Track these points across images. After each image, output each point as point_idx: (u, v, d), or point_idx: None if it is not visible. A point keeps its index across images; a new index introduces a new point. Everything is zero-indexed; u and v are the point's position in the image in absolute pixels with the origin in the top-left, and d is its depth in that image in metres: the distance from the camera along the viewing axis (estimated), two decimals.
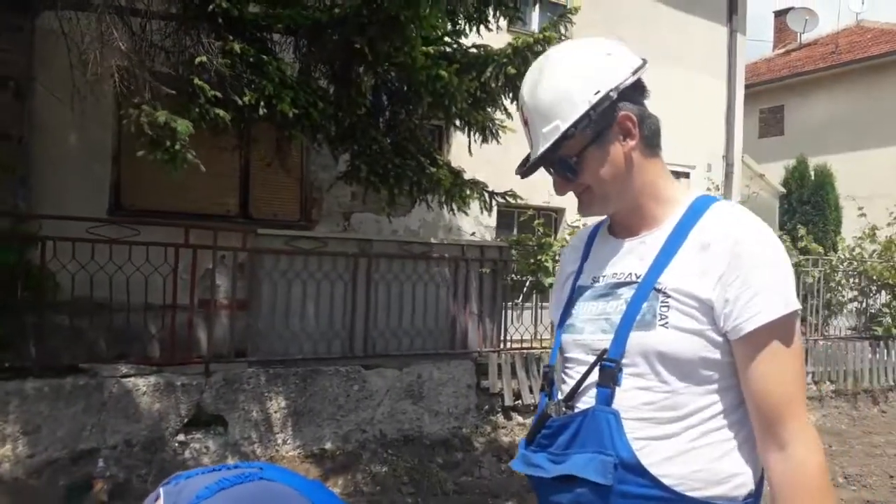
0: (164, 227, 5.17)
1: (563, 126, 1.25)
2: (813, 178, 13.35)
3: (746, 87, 11.99)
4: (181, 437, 4.50)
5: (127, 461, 4.25)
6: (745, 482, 1.23)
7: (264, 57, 4.34)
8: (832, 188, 13.28)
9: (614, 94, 1.24)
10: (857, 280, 8.78)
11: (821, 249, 8.63)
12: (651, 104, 1.34)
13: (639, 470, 1.19)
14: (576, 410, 1.28)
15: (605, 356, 1.25)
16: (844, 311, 8.81)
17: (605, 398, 1.24)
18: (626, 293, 1.26)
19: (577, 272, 1.43)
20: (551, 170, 1.34)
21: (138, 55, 3.99)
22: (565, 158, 1.29)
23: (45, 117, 5.29)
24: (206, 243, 4.83)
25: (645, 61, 1.31)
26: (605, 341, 1.26)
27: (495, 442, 5.57)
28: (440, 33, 5.52)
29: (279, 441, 4.84)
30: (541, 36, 5.74)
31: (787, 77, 16.58)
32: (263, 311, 5.15)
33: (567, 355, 1.36)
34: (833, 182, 13.36)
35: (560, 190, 1.36)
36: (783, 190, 13.06)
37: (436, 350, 5.76)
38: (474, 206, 5.78)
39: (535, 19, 8.83)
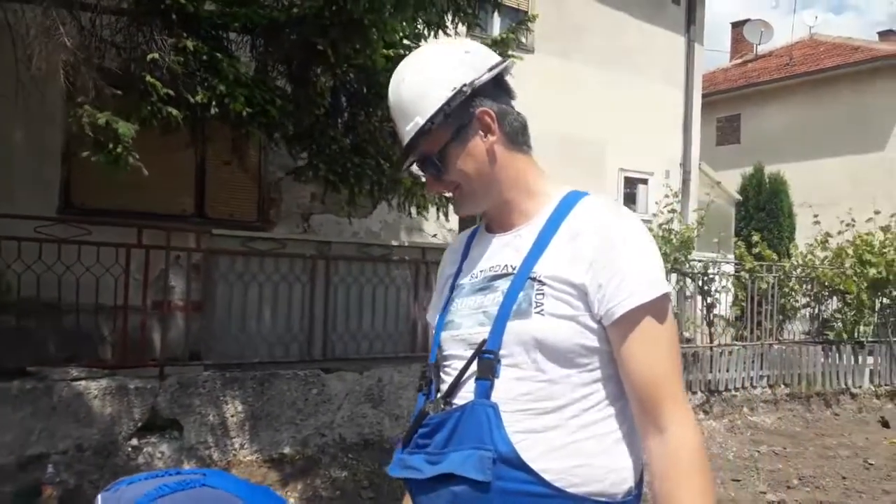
0: (116, 226, 5.05)
1: (421, 122, 1.28)
2: (768, 185, 13.68)
3: (704, 95, 12.25)
4: (134, 442, 4.40)
5: (78, 466, 4.14)
6: (625, 478, 1.22)
7: (218, 55, 4.27)
8: (786, 196, 13.62)
9: (468, 90, 1.26)
10: (809, 286, 9.00)
11: (775, 256, 8.83)
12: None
13: (518, 464, 1.16)
14: (454, 406, 1.25)
15: (483, 348, 1.24)
16: (798, 316, 9.02)
17: (484, 391, 1.21)
18: (503, 284, 1.26)
19: (455, 273, 1.43)
20: (422, 168, 1.35)
21: (86, 51, 3.89)
22: (429, 155, 1.31)
23: None
24: (160, 244, 4.74)
25: (505, 60, 1.35)
26: (483, 333, 1.25)
27: None
28: (400, 36, 5.53)
29: (236, 446, 4.75)
30: (500, 38, 5.80)
31: (744, 87, 17.02)
32: (219, 313, 5.07)
33: (446, 353, 1.34)
34: (787, 190, 13.71)
35: (431, 188, 1.39)
36: (739, 197, 13.36)
37: (396, 353, 5.74)
38: (434, 209, 5.78)
39: (495, 24, 8.90)
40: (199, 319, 5.17)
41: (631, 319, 1.18)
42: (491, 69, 1.30)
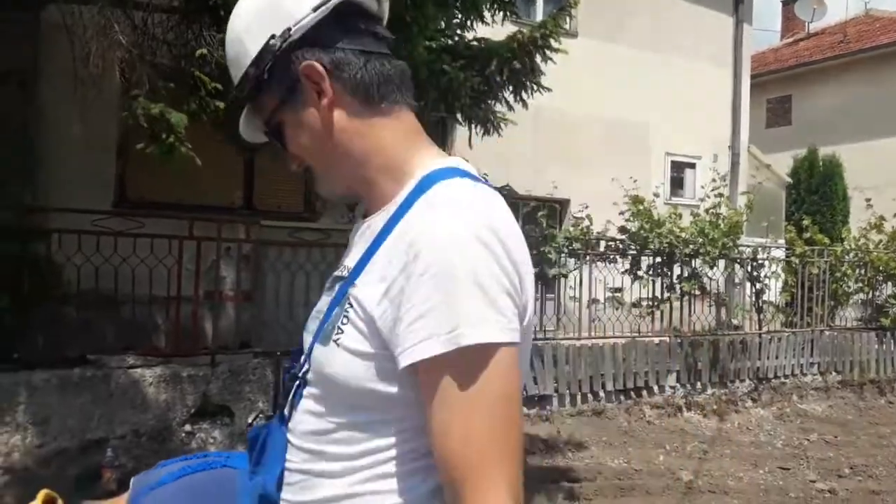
0: (168, 219, 5.20)
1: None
2: (821, 168, 13.27)
3: (753, 77, 11.94)
4: (188, 427, 4.55)
5: (135, 451, 4.30)
6: None
7: None
8: (840, 178, 13.20)
9: (277, 42, 0.96)
10: (863, 271, 8.75)
11: (826, 240, 8.61)
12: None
13: None
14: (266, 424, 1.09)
15: (288, 365, 1.06)
16: (850, 301, 8.80)
17: (282, 416, 1.03)
18: (336, 290, 1.01)
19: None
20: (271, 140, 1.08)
21: (140, 48, 4.01)
22: (263, 125, 1.05)
23: (50, 110, 5.33)
24: (211, 235, 4.86)
25: None
26: (306, 346, 1.04)
27: None
28: (442, 26, 5.53)
29: None
30: (549, 28, 5.74)
31: (795, 67, 16.52)
32: (268, 302, 5.20)
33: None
34: (841, 172, 13.28)
35: (290, 163, 1.09)
36: (789, 180, 13.01)
37: None
38: None
39: (538, 10, 8.81)
40: (249, 308, 5.30)
41: (425, 373, 0.85)
42: (317, 8, 0.97)
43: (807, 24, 17.85)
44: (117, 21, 3.88)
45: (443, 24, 5.49)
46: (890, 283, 8.89)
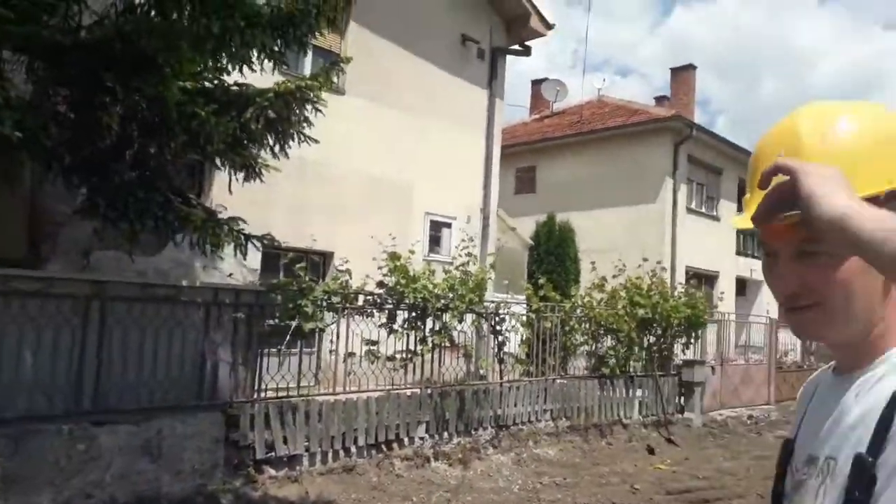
0: None
1: None
2: (558, 232, 14.90)
3: (505, 147, 13.11)
4: None
5: None
6: None
7: None
8: (572, 242, 14.91)
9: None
10: (588, 325, 9.85)
11: (559, 297, 9.58)
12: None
13: None
14: None
15: None
16: (578, 352, 9.83)
17: None
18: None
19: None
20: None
21: None
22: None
23: None
24: None
25: None
26: None
27: (244, 497, 5.31)
28: (200, 68, 5.33)
29: None
30: (309, 82, 5.79)
31: (539, 141, 18.53)
32: None
33: None
34: (573, 237, 15.01)
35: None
36: (531, 242, 14.41)
37: (180, 402, 5.37)
38: (231, 247, 5.56)
39: (307, 64, 8.89)
40: None
41: None
42: None
43: (551, 103, 20.16)
44: None
45: (201, 66, 5.30)
46: (609, 336, 10.09)
